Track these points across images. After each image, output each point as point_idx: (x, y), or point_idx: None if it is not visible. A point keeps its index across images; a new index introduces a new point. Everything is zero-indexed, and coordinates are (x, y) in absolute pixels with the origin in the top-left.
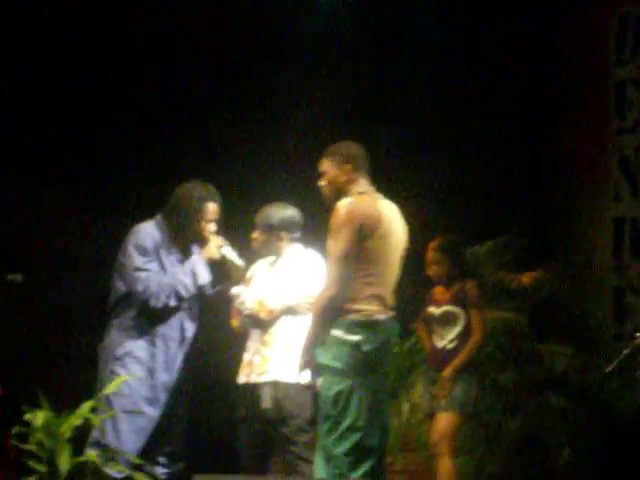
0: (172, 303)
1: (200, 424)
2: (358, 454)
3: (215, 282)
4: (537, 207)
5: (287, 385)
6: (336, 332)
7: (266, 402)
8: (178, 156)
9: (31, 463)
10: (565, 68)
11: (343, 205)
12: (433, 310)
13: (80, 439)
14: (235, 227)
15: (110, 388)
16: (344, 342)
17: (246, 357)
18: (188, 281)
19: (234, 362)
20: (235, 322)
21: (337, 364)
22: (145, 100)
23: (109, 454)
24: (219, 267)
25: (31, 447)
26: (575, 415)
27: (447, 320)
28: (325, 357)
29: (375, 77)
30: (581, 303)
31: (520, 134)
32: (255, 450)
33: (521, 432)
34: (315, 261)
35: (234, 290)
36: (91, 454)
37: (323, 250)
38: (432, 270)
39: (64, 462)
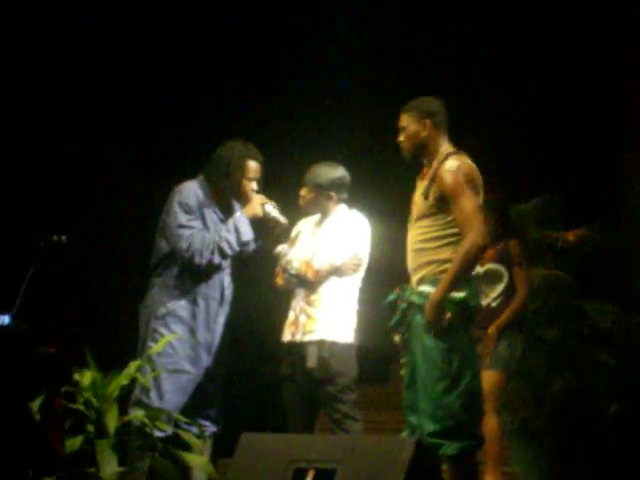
0: (216, 260)
1: (245, 383)
2: (477, 407)
3: (257, 240)
4: (582, 164)
5: (333, 344)
6: None
7: (312, 361)
8: (224, 117)
9: (79, 423)
10: (616, 27)
11: (453, 166)
12: (477, 268)
13: (124, 399)
14: (283, 186)
15: (157, 347)
16: (451, 299)
17: (291, 316)
18: (232, 238)
19: (278, 321)
20: (280, 280)
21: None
22: (193, 62)
23: (153, 413)
24: (261, 225)
25: (79, 407)
26: (621, 372)
27: (491, 278)
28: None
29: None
30: (626, 260)
31: (566, 92)
32: (300, 408)
33: (566, 389)
34: (361, 222)
35: (280, 249)
36: (138, 413)
37: (365, 211)
38: None
39: (111, 421)
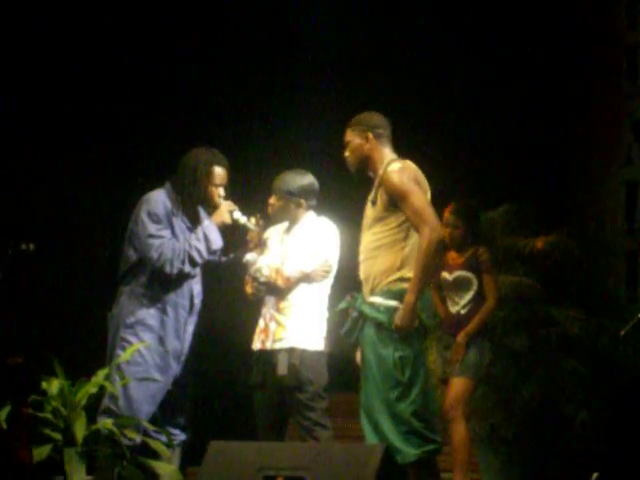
0: (186, 269)
1: (215, 391)
2: (429, 415)
3: (227, 248)
4: (550, 172)
5: (304, 351)
6: (392, 302)
7: (282, 369)
8: (193, 125)
9: (47, 431)
10: (578, 32)
11: (396, 168)
12: (446, 275)
13: (92, 407)
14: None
15: (125, 356)
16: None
17: (261, 323)
18: (201, 246)
19: (248, 328)
20: (249, 289)
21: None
22: (159, 68)
23: (121, 421)
24: (231, 233)
25: (47, 415)
26: (590, 378)
27: (460, 285)
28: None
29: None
30: (594, 267)
31: (532, 101)
32: (271, 416)
33: (535, 396)
34: (329, 228)
35: (249, 257)
36: (106, 421)
37: (332, 218)
38: (447, 233)
39: (80, 430)
